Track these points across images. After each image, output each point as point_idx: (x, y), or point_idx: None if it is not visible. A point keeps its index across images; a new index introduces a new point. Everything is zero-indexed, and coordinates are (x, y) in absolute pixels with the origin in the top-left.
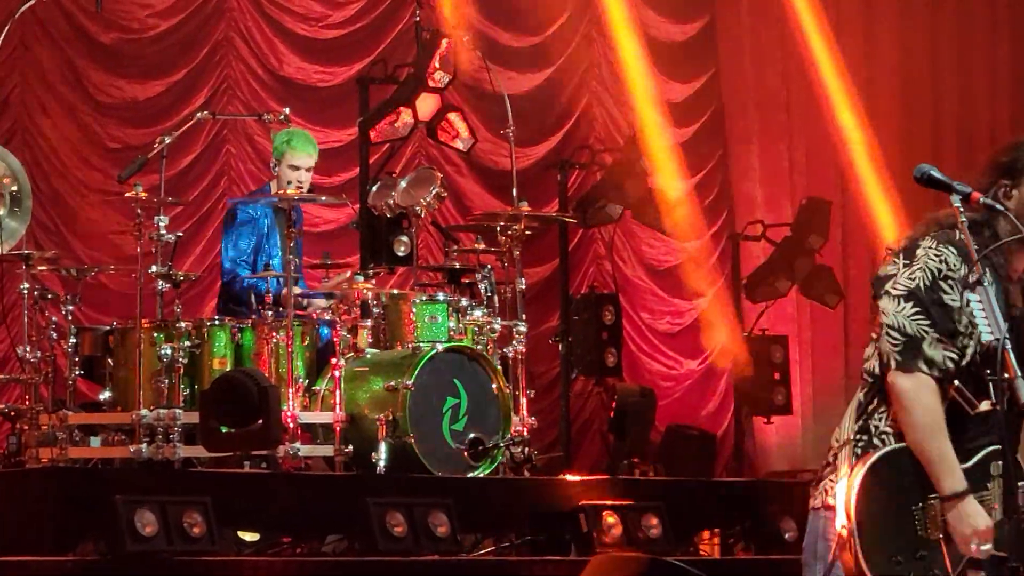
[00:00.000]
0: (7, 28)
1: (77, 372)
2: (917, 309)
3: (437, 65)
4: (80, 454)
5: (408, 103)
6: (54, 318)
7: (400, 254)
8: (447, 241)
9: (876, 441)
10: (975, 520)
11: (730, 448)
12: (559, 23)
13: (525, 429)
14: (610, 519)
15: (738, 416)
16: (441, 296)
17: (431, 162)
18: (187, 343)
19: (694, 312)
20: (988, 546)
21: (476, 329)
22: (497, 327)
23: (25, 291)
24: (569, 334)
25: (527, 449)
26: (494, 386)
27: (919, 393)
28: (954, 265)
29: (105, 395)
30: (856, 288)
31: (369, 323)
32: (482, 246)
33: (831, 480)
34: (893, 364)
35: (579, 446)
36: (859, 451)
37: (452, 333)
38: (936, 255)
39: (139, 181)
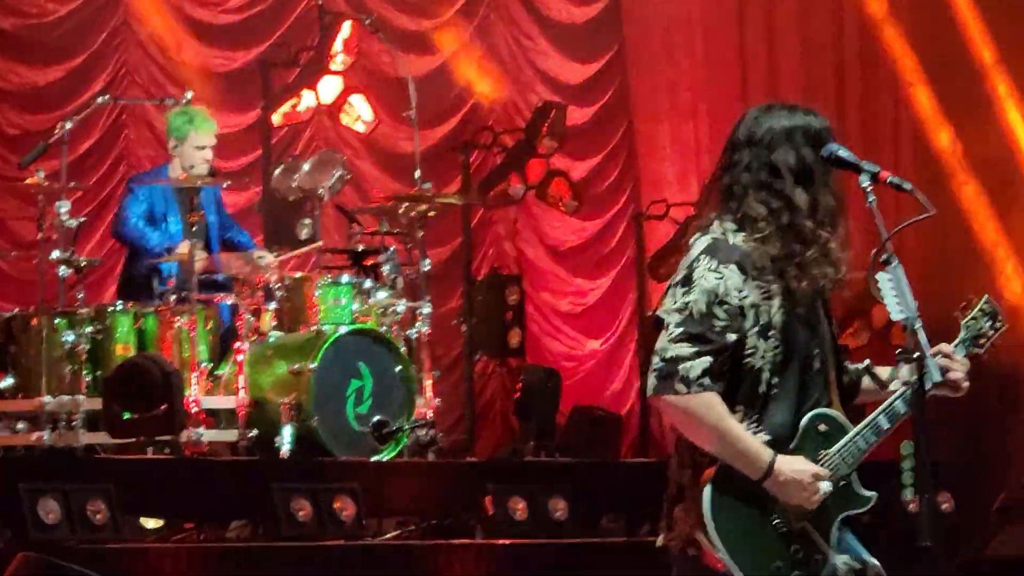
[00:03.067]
0: None
1: None
2: (684, 332)
3: (339, 48)
4: None
5: (310, 86)
6: None
7: (303, 237)
8: (350, 223)
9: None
10: (797, 471)
11: (636, 428)
12: (458, 5)
13: (430, 411)
14: (516, 502)
15: (644, 396)
16: (345, 278)
17: (330, 145)
18: (90, 329)
19: (597, 292)
20: (826, 484)
21: (380, 311)
22: (401, 309)
23: None
24: (472, 315)
25: (431, 431)
26: (398, 368)
27: (693, 410)
28: (734, 287)
29: (7, 382)
30: None
31: (272, 306)
32: (386, 228)
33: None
34: (651, 391)
35: (482, 428)
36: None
37: (356, 315)
38: (717, 277)
39: (39, 167)
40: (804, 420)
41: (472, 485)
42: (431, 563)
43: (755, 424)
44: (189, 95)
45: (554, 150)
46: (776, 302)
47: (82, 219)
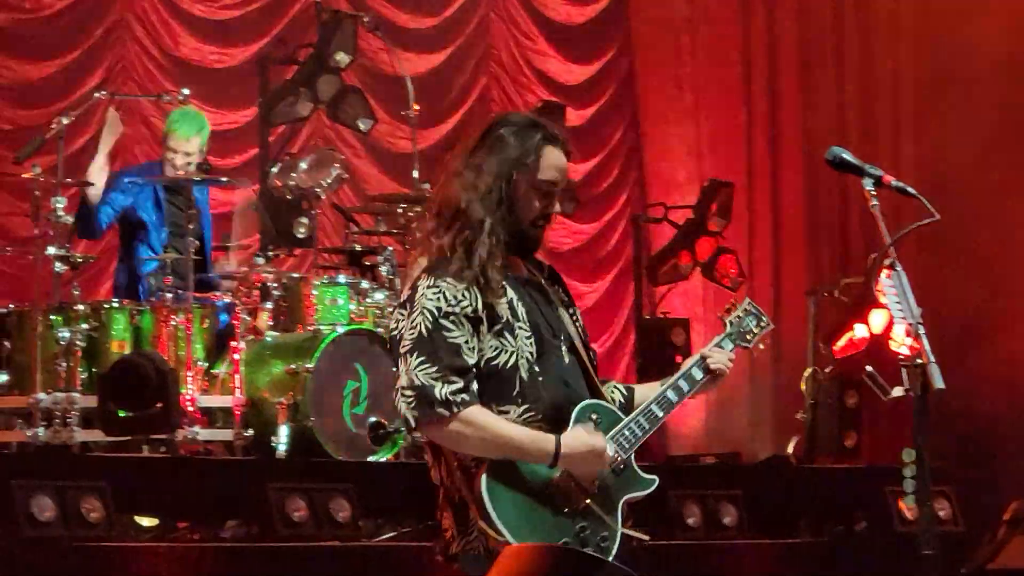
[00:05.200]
0: None
1: None
2: (422, 358)
3: (337, 46)
4: None
5: (309, 84)
6: None
7: (300, 236)
8: (347, 223)
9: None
10: (581, 443)
11: None
12: (458, 4)
13: None
14: None
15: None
16: (342, 278)
17: (327, 143)
18: (85, 326)
19: (594, 295)
20: (610, 450)
21: (377, 312)
22: None
23: None
24: None
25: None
26: (395, 369)
27: (462, 429)
28: (452, 299)
29: (1, 379)
30: (761, 271)
31: (269, 305)
32: (383, 228)
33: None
34: (414, 423)
35: None
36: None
37: (353, 316)
38: (434, 293)
39: (35, 162)
40: (575, 411)
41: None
42: (427, 565)
43: (528, 413)
44: (186, 92)
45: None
46: (511, 296)
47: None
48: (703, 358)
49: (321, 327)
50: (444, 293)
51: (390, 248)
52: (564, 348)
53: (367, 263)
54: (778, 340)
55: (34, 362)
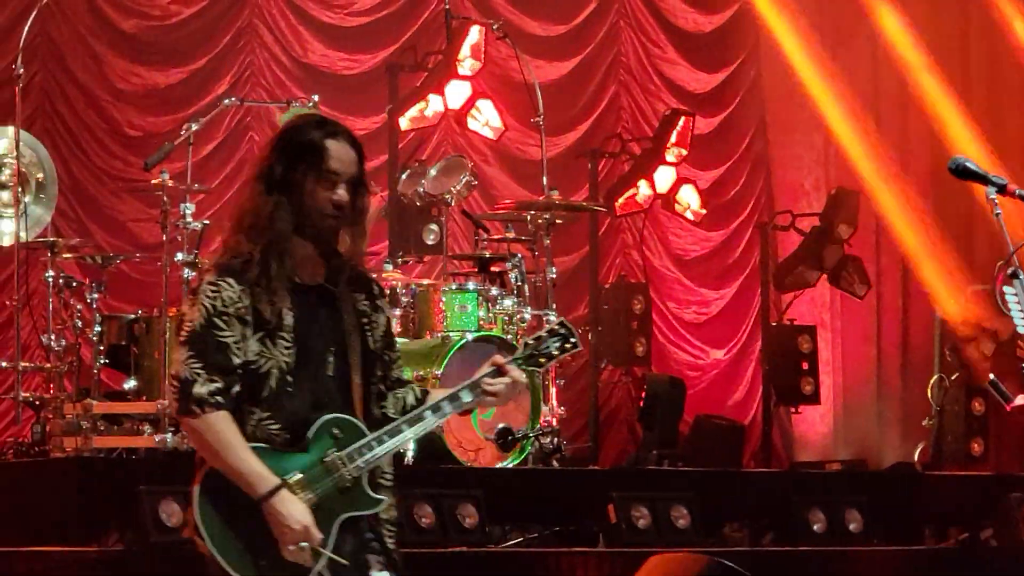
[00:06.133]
0: (32, 15)
1: (102, 361)
2: (191, 353)
3: (466, 53)
4: (104, 443)
5: (438, 90)
6: (79, 306)
7: (429, 242)
8: (477, 230)
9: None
10: (289, 517)
11: (758, 438)
12: (587, 12)
13: (554, 419)
14: (639, 510)
15: (766, 406)
16: (471, 285)
17: (457, 150)
18: None
19: (721, 302)
20: (306, 545)
21: (506, 318)
22: (527, 316)
23: (50, 279)
24: (598, 323)
25: (556, 439)
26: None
27: (204, 432)
28: (228, 299)
29: (130, 384)
30: (889, 278)
31: (398, 312)
32: (512, 235)
33: None
34: (174, 410)
35: (606, 436)
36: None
37: (482, 322)
38: (213, 291)
39: (164, 168)
40: (318, 423)
41: (595, 493)
42: (554, 571)
43: (269, 420)
44: (315, 98)
45: (681, 158)
46: (285, 304)
47: (206, 222)
48: (478, 382)
49: (450, 333)
50: (221, 293)
51: (519, 255)
52: (332, 359)
53: (496, 270)
54: (905, 347)
55: (162, 368)
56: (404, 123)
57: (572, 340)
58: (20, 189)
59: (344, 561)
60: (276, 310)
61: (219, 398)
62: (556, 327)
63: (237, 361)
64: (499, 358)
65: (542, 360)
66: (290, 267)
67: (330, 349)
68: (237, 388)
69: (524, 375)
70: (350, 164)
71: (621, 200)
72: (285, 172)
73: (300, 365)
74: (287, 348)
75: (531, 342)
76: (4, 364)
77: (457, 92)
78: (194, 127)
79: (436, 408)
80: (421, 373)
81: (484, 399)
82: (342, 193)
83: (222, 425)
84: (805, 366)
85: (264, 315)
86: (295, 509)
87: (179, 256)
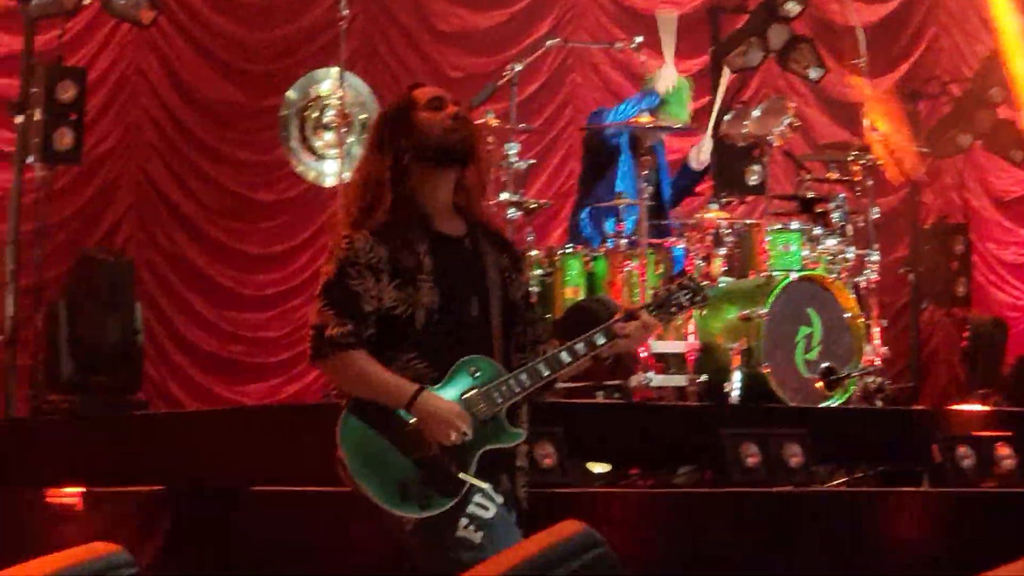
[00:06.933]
0: None
1: None
2: (324, 302)
3: None
4: None
5: (759, 33)
6: None
7: (752, 183)
8: (798, 170)
9: None
10: (435, 406)
11: None
12: None
13: (878, 359)
14: (963, 449)
15: None
16: (795, 225)
17: (778, 92)
18: (539, 271)
19: None
20: (466, 430)
21: (829, 258)
22: (850, 256)
23: None
24: (919, 264)
25: (879, 379)
26: (847, 315)
27: (340, 369)
28: (360, 250)
29: None
30: None
31: (722, 252)
32: (835, 175)
33: None
34: (309, 359)
35: (928, 376)
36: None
37: (806, 262)
38: (346, 244)
39: (489, 108)
40: (456, 365)
41: (919, 433)
42: (879, 512)
43: (416, 359)
44: (639, 40)
45: (1002, 100)
46: (423, 250)
47: (531, 161)
48: (610, 326)
49: (774, 273)
50: (354, 244)
51: (842, 195)
52: (475, 301)
53: (818, 210)
54: None
55: None
56: (725, 66)
57: (701, 294)
58: (344, 130)
59: (484, 485)
60: (414, 256)
61: (350, 339)
62: (686, 281)
63: (369, 308)
64: (632, 305)
65: (672, 309)
66: (428, 216)
67: (472, 294)
68: (371, 332)
69: (654, 321)
70: (444, 94)
71: None
72: (394, 126)
73: (443, 307)
74: (430, 289)
75: (661, 293)
76: None
77: (778, 34)
78: (517, 67)
79: (571, 350)
80: (746, 312)
81: (617, 342)
82: (453, 108)
83: (355, 358)
84: None
85: (402, 262)
86: (443, 402)
87: (504, 195)
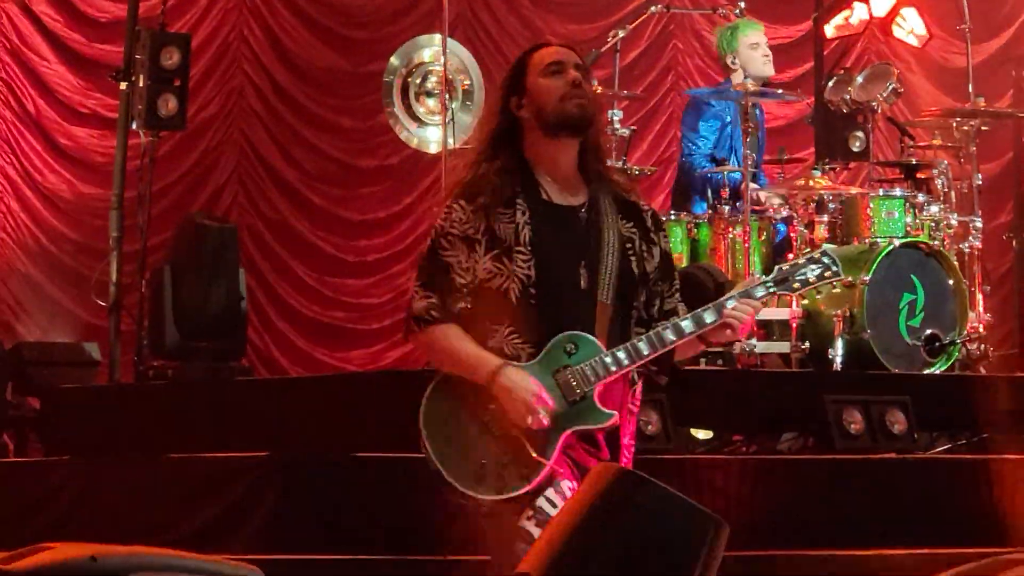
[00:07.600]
0: None
1: None
2: (417, 275)
3: None
4: None
5: None
6: None
7: (855, 149)
8: (902, 137)
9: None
10: (520, 385)
11: None
12: None
13: (981, 325)
14: None
15: None
16: (898, 191)
17: (881, 58)
18: None
19: None
20: (543, 413)
21: (932, 225)
22: (953, 223)
23: None
24: (1023, 230)
25: (983, 346)
26: (951, 282)
27: (427, 345)
28: (456, 220)
29: None
30: None
31: (825, 218)
32: (939, 142)
33: None
34: (404, 334)
35: None
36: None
37: (909, 228)
38: (444, 215)
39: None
40: (552, 341)
41: (1022, 399)
42: (981, 478)
43: (513, 334)
44: (742, 6)
45: None
46: (523, 220)
47: (633, 128)
48: (722, 304)
49: (878, 240)
50: (451, 215)
51: (945, 162)
52: (583, 277)
53: (922, 176)
54: None
55: None
56: (829, 31)
57: (834, 269)
58: (447, 96)
59: (560, 469)
60: (512, 227)
61: (434, 312)
62: (818, 255)
63: (461, 281)
64: (753, 278)
65: (795, 285)
66: (537, 185)
67: (580, 266)
68: (464, 305)
69: (760, 305)
70: (565, 56)
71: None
72: (509, 90)
73: (541, 280)
74: (524, 261)
75: (786, 267)
76: None
77: (882, 0)
78: (621, 34)
79: (676, 328)
80: (850, 279)
81: (726, 319)
82: (573, 74)
83: (440, 332)
84: None
85: (498, 233)
86: (524, 380)
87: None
